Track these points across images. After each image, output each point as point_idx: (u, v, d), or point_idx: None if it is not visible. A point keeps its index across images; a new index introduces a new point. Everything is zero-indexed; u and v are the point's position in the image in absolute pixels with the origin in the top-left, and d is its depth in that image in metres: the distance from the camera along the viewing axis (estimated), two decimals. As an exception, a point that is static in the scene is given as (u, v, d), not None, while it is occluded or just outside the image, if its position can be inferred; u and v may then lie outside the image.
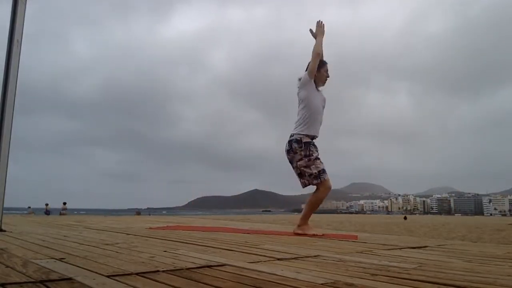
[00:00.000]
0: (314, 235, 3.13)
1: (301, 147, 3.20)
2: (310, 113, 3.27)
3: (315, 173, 3.15)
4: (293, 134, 3.29)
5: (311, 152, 3.20)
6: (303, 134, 3.24)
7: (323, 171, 3.18)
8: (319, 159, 3.22)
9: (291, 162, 3.28)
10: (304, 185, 3.22)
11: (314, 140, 3.31)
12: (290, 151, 3.26)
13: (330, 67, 3.43)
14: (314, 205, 3.25)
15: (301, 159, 3.19)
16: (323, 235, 3.21)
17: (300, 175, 3.21)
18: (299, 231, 3.23)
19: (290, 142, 3.27)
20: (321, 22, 3.40)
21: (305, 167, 3.17)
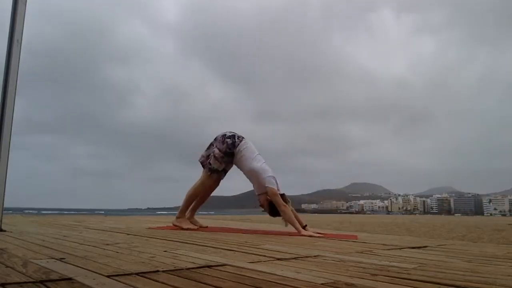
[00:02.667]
0: (188, 229, 3.34)
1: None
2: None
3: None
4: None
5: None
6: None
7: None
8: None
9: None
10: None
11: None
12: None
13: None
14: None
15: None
16: (198, 228, 3.47)
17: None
18: (177, 223, 3.51)
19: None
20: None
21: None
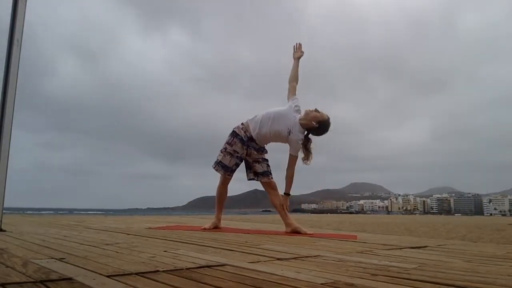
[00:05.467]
0: (307, 234, 3.18)
1: (231, 133, 3.38)
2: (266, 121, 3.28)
3: (216, 160, 3.36)
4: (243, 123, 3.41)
5: (229, 141, 3.34)
6: (242, 126, 3.37)
7: (220, 163, 3.33)
8: (229, 153, 3.32)
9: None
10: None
11: (251, 143, 3.32)
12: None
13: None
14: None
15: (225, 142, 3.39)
16: (311, 234, 3.23)
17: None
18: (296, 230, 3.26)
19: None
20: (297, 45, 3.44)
21: (220, 150, 3.37)
